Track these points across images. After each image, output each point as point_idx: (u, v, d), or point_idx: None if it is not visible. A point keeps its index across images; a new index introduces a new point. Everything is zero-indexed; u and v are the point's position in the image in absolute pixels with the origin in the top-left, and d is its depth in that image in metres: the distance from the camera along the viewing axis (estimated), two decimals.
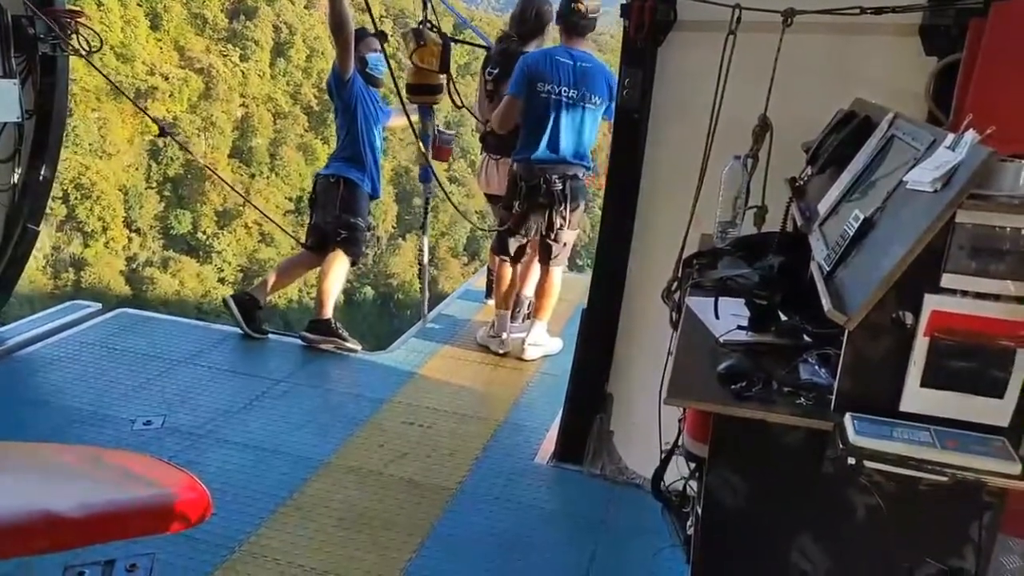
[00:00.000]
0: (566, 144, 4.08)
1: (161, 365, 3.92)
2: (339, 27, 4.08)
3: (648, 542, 2.67)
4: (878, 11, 2.31)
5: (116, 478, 1.62)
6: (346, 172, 4.42)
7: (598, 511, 3.00)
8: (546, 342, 4.44)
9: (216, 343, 4.27)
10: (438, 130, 4.77)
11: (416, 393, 3.88)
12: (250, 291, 4.51)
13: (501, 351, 4.46)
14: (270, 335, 4.45)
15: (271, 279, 4.65)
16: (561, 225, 4.16)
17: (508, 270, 4.47)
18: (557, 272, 4.34)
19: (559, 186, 4.08)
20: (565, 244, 4.26)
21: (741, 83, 2.30)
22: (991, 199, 1.22)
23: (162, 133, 4.64)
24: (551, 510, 3.05)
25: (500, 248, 4.46)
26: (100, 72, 5.37)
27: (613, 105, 3.90)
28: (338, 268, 4.45)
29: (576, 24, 4.06)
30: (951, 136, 1.34)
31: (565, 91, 4.02)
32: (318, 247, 4.58)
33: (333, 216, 4.42)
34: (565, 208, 4.12)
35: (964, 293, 1.25)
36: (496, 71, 4.50)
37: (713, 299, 1.77)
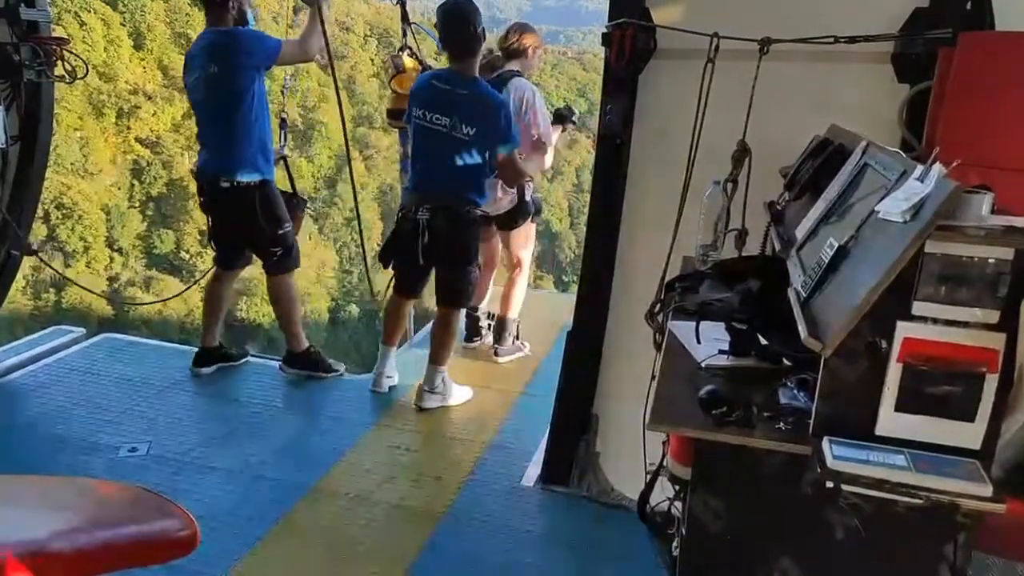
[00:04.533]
0: (437, 175, 3.68)
1: (146, 391, 3.90)
2: (310, 57, 3.93)
3: (634, 563, 2.69)
4: (851, 40, 2.38)
5: (105, 510, 1.62)
6: (261, 172, 3.79)
7: (585, 533, 3.01)
8: (444, 390, 3.94)
9: None
10: (294, 191, 4.24)
11: (402, 416, 3.88)
12: (204, 347, 4.17)
13: (380, 390, 4.05)
14: (250, 358, 4.36)
15: (205, 322, 4.26)
16: (424, 260, 3.72)
17: (398, 302, 4.06)
18: (454, 315, 3.96)
19: (426, 216, 3.64)
20: (458, 291, 3.86)
21: (720, 109, 2.37)
22: (958, 230, 1.26)
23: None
24: (538, 532, 3.05)
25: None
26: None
27: (503, 140, 3.61)
28: (287, 291, 4.08)
29: (455, 45, 3.61)
30: (920, 168, 1.38)
31: (436, 118, 3.60)
32: (230, 263, 4.15)
33: (256, 231, 3.88)
34: (431, 243, 3.67)
35: (934, 320, 1.29)
36: None
37: (695, 323, 1.80)
